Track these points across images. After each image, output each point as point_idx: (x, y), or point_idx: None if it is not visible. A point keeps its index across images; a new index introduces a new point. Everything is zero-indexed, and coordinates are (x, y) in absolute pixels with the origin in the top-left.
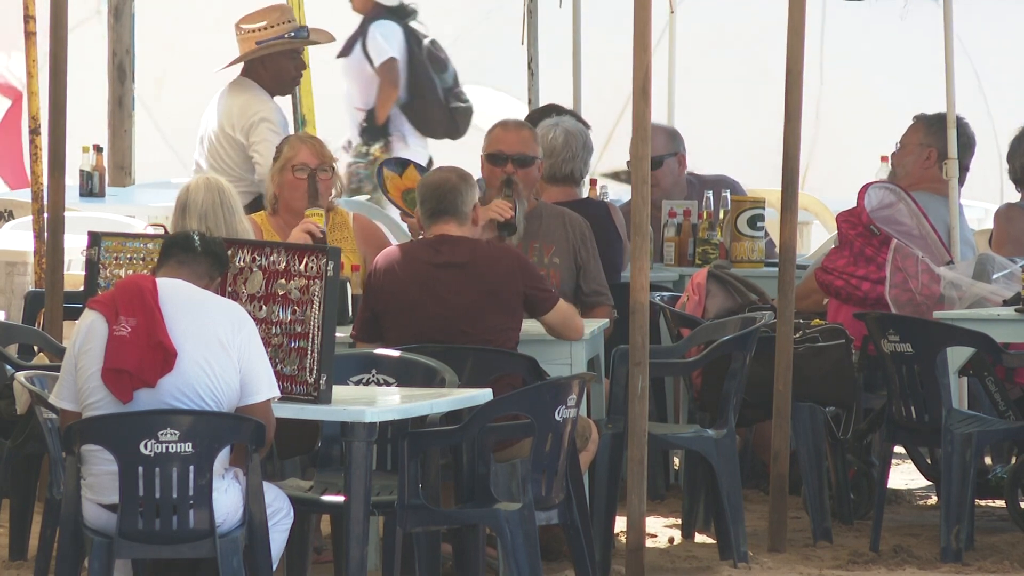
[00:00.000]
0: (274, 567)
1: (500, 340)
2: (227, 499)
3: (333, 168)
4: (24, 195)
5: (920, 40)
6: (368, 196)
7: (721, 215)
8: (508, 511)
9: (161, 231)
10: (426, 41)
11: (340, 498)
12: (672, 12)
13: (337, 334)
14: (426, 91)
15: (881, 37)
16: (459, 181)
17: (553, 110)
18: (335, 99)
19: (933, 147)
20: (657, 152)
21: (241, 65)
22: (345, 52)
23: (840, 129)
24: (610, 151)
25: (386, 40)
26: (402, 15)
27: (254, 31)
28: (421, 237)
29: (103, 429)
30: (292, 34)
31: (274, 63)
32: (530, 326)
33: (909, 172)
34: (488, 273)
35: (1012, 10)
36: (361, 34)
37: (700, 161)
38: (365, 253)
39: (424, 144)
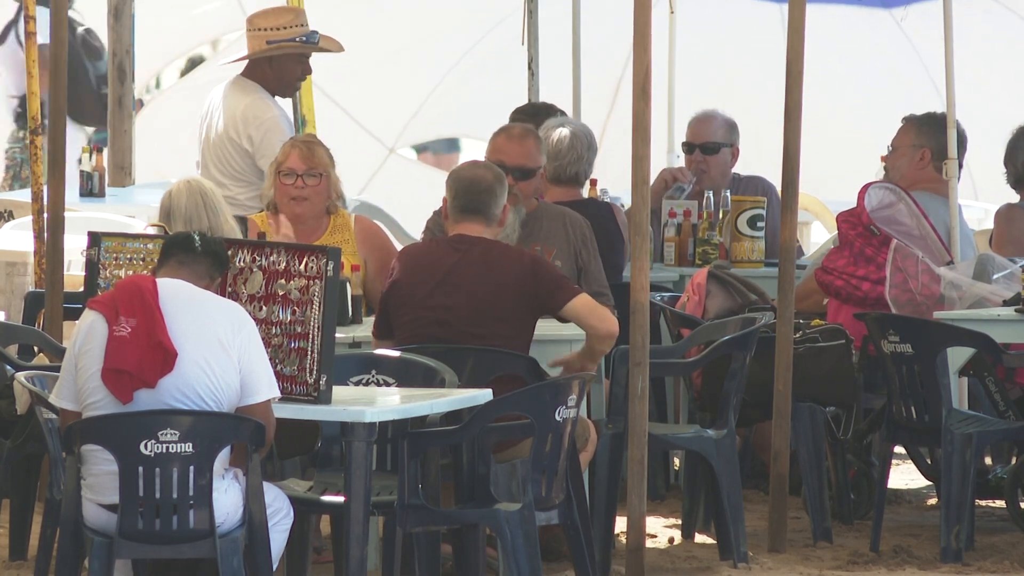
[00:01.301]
0: (274, 567)
1: (503, 345)
2: (227, 499)
3: (323, 174)
4: (24, 195)
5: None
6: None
7: (721, 215)
8: (508, 511)
9: (161, 231)
10: (81, 29)
11: (340, 498)
12: (672, 12)
13: (337, 334)
14: (79, 79)
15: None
16: (494, 181)
17: (542, 109)
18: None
19: (925, 147)
20: (715, 139)
21: (245, 62)
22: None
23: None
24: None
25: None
26: None
27: (266, 30)
28: (439, 236)
29: (103, 429)
30: (304, 38)
31: (281, 65)
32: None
33: (904, 174)
34: (499, 277)
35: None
36: (15, 21)
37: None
38: (366, 255)
39: (79, 130)
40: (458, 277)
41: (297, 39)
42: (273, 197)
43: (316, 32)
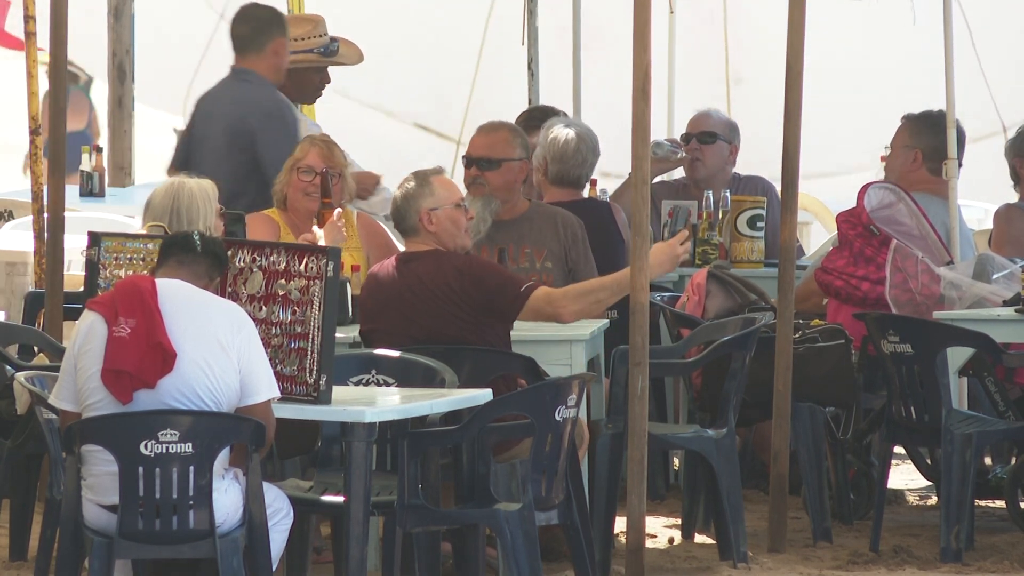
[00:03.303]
0: (274, 567)
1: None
2: (227, 499)
3: (340, 174)
4: (24, 195)
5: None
6: None
7: (721, 215)
8: (508, 511)
9: (161, 231)
10: None
11: (340, 498)
12: (672, 12)
13: (337, 334)
14: None
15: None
16: (401, 192)
17: (542, 112)
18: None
19: (916, 148)
20: (713, 129)
21: None
22: None
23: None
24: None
25: None
26: None
27: None
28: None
29: (103, 429)
30: (322, 49)
31: (299, 75)
32: (530, 326)
33: (899, 176)
34: (447, 291)
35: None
36: None
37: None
38: (368, 252)
39: None
40: (410, 298)
41: (315, 50)
42: (283, 192)
43: (336, 41)
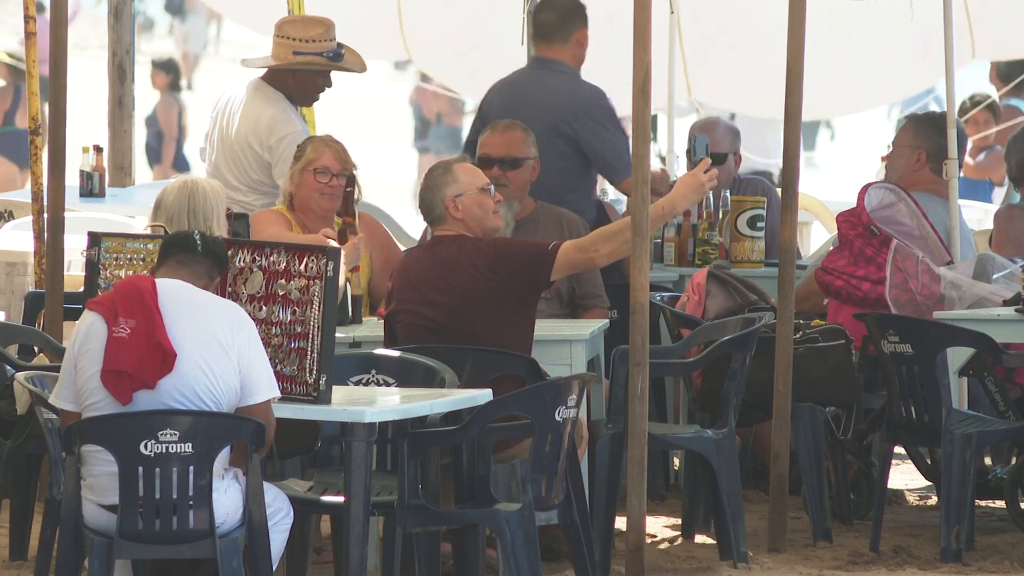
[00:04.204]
0: (274, 567)
1: (498, 340)
2: (227, 499)
3: (355, 178)
4: (24, 195)
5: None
6: None
7: (721, 215)
8: (508, 511)
9: (161, 231)
10: None
11: (340, 498)
12: (672, 12)
13: (337, 334)
14: None
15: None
16: (425, 183)
17: None
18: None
19: (921, 148)
20: (723, 148)
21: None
22: None
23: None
24: None
25: None
26: None
27: (295, 40)
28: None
29: (103, 429)
30: (330, 54)
31: (305, 77)
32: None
33: (901, 176)
34: (468, 272)
35: None
36: None
37: None
38: (371, 249)
39: None
40: (434, 280)
41: (324, 54)
42: (292, 192)
43: (342, 46)
